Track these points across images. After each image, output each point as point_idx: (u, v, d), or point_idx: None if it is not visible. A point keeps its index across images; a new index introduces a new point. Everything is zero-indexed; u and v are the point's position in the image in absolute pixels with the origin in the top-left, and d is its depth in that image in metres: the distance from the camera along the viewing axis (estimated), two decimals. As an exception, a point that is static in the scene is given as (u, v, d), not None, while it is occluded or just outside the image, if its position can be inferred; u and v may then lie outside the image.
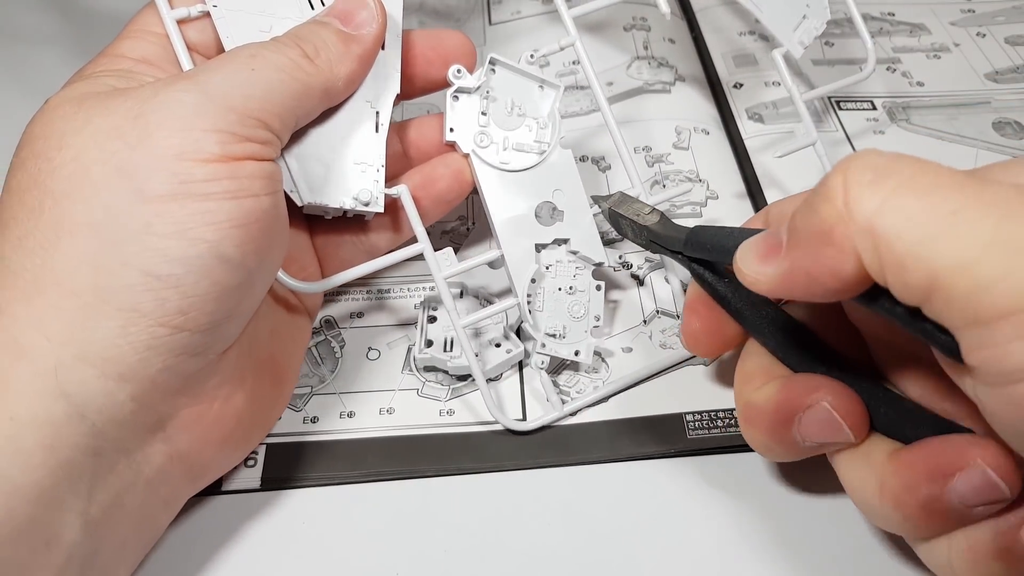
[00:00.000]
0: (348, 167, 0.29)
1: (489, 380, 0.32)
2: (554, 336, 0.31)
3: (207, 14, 0.28)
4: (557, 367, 0.33)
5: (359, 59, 0.28)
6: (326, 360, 0.33)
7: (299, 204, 0.29)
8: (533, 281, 0.31)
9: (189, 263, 0.23)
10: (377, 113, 0.30)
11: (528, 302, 0.31)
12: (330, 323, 0.34)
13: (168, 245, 0.23)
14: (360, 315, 0.34)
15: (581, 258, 0.32)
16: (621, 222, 0.31)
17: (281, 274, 0.28)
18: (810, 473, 0.29)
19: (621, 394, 0.32)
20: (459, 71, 0.31)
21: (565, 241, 0.32)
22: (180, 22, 0.28)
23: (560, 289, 0.32)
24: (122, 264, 0.22)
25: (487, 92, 0.32)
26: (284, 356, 0.30)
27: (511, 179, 0.32)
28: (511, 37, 0.45)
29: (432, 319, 0.33)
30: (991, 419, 0.20)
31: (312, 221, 0.32)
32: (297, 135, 0.28)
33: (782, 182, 0.39)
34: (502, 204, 0.32)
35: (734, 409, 0.31)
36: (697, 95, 0.43)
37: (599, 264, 0.32)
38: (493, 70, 0.32)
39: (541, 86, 0.32)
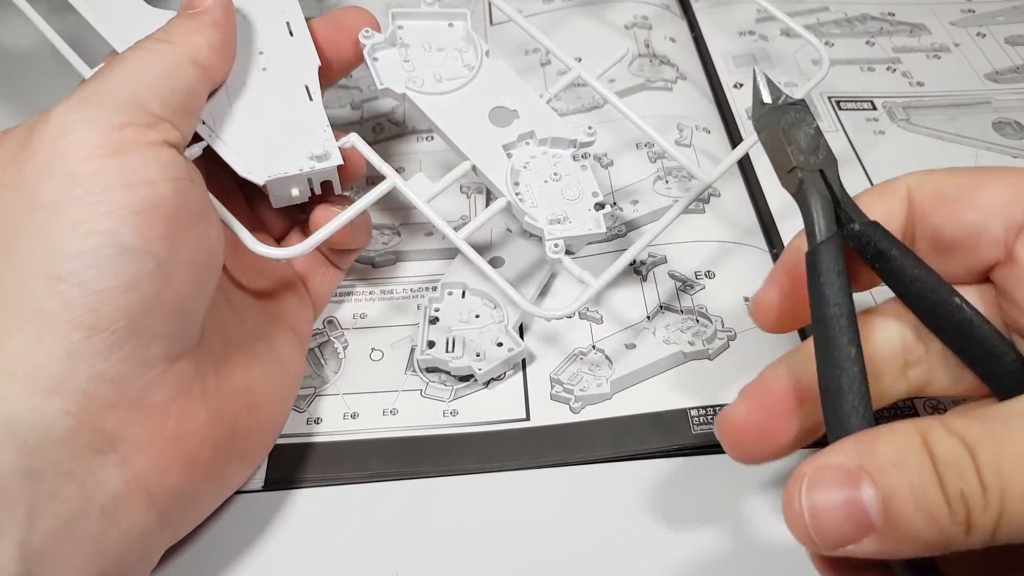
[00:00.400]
0: (295, 136, 0.30)
1: (491, 380, 0.32)
2: (559, 222, 0.30)
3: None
4: (565, 362, 0.33)
5: (213, 25, 0.28)
6: (329, 361, 0.33)
7: (260, 184, 0.29)
8: (516, 183, 0.31)
9: (87, 257, 0.22)
10: (306, 87, 0.31)
11: (520, 202, 0.31)
12: (333, 324, 0.34)
13: (64, 243, 0.22)
14: (363, 316, 0.34)
15: (554, 144, 0.32)
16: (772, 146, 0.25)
17: (259, 246, 0.28)
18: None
19: (624, 391, 0.32)
20: (367, 32, 0.32)
21: (532, 136, 0.32)
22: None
23: (546, 181, 0.31)
24: (24, 273, 0.22)
25: (400, 40, 0.33)
26: (265, 384, 0.29)
27: (454, 99, 0.32)
28: (512, 37, 0.45)
29: (434, 320, 0.33)
30: None
31: (292, 214, 0.33)
32: (235, 121, 0.30)
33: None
34: (455, 123, 0.32)
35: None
36: (698, 93, 0.43)
37: (574, 142, 0.32)
38: (400, 26, 0.33)
39: (450, 23, 0.34)
